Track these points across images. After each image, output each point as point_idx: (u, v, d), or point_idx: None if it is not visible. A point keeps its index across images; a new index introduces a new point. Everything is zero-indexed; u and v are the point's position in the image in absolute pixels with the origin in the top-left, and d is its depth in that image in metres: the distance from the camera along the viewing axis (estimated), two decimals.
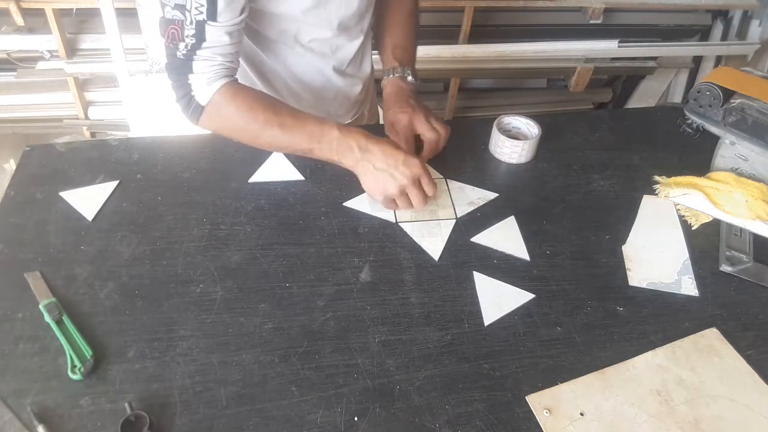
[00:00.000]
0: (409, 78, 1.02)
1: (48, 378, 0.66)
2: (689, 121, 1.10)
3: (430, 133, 0.94)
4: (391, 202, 0.87)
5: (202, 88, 0.84)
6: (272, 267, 0.81)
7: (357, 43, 1.03)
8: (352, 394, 0.67)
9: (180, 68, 0.84)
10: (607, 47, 2.28)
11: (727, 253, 0.86)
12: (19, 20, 1.93)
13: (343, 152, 0.85)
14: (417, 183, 0.84)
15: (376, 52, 1.12)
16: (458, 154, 1.00)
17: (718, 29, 2.43)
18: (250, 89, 0.89)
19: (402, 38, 1.06)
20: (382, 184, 0.84)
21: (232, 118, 0.86)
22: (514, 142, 0.98)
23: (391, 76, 1.02)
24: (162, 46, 0.85)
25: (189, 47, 0.82)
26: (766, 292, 0.82)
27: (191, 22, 0.80)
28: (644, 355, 0.73)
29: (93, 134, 2.18)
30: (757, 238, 0.89)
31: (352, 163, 0.85)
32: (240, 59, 0.92)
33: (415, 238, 0.86)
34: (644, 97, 2.49)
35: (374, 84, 1.24)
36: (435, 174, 0.97)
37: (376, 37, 1.10)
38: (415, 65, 1.06)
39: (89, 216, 0.86)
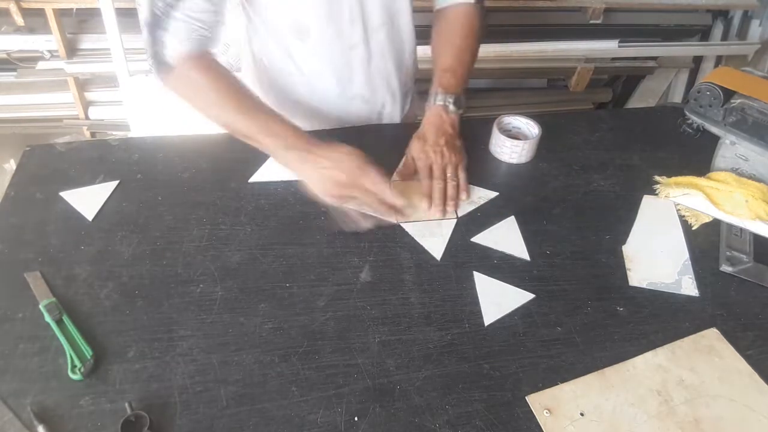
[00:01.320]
0: (451, 107, 0.96)
1: (48, 378, 0.66)
2: (689, 121, 1.10)
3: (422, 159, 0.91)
4: (343, 202, 0.84)
5: (174, 48, 0.83)
6: (272, 267, 0.81)
7: (378, 38, 1.00)
8: (352, 394, 0.67)
9: (156, 24, 0.82)
10: (607, 47, 2.28)
11: (727, 253, 0.86)
12: (19, 20, 1.93)
13: (288, 149, 0.84)
14: (362, 179, 0.81)
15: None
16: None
17: (718, 29, 2.43)
18: (223, 67, 0.89)
19: (452, 61, 1.00)
20: (328, 180, 0.82)
21: (201, 89, 0.86)
22: (514, 142, 0.98)
23: (433, 103, 0.97)
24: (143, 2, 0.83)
25: (167, 3, 0.81)
26: (766, 292, 0.81)
27: None
28: (644, 355, 0.73)
29: (93, 134, 2.18)
30: (757, 238, 0.89)
31: (299, 164, 0.84)
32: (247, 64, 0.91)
33: (416, 238, 0.86)
34: (644, 97, 2.49)
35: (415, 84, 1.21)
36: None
37: (432, 51, 1.06)
38: (462, 88, 0.99)
39: (89, 216, 0.86)
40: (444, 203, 0.90)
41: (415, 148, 0.94)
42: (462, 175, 0.92)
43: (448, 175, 0.91)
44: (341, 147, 0.83)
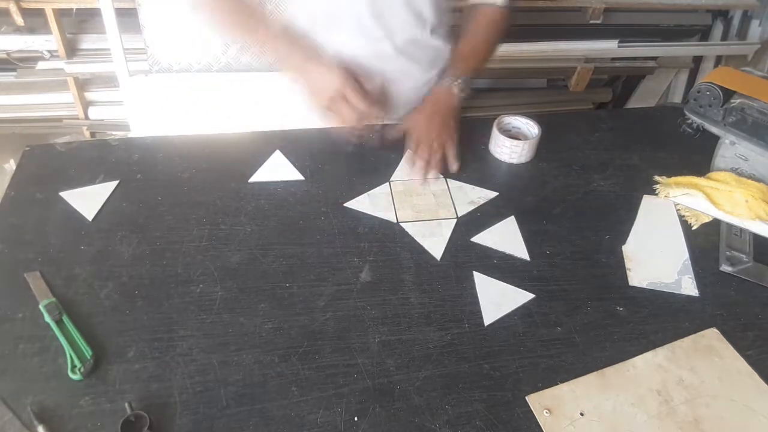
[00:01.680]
0: (455, 90, 1.00)
1: (48, 378, 0.66)
2: (689, 121, 1.10)
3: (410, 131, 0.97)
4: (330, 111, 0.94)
5: None
6: (272, 267, 0.81)
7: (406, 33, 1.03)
8: (352, 394, 0.67)
9: None
10: (607, 47, 2.28)
11: (727, 253, 0.86)
12: (19, 20, 1.92)
13: (289, 54, 0.97)
14: (342, 93, 0.91)
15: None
16: (458, 154, 1.00)
17: (718, 29, 2.42)
18: None
19: (468, 51, 1.06)
20: (320, 83, 0.93)
21: (219, 10, 1.00)
22: (514, 142, 0.98)
23: (439, 85, 1.02)
24: None
25: None
26: (766, 292, 0.81)
27: None
28: (644, 355, 0.73)
29: (93, 134, 2.17)
30: (757, 238, 0.89)
31: (297, 74, 0.96)
32: None
33: (416, 238, 0.86)
34: (644, 97, 2.49)
35: None
36: (435, 173, 0.97)
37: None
38: (471, 75, 1.04)
39: (89, 216, 0.86)
40: (425, 171, 0.94)
41: (410, 119, 0.99)
42: (451, 150, 0.96)
43: (434, 145, 0.95)
44: (326, 62, 0.94)
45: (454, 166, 0.97)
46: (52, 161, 0.95)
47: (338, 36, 1.01)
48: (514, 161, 1.00)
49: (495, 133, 1.00)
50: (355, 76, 0.94)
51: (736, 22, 2.42)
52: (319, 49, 0.99)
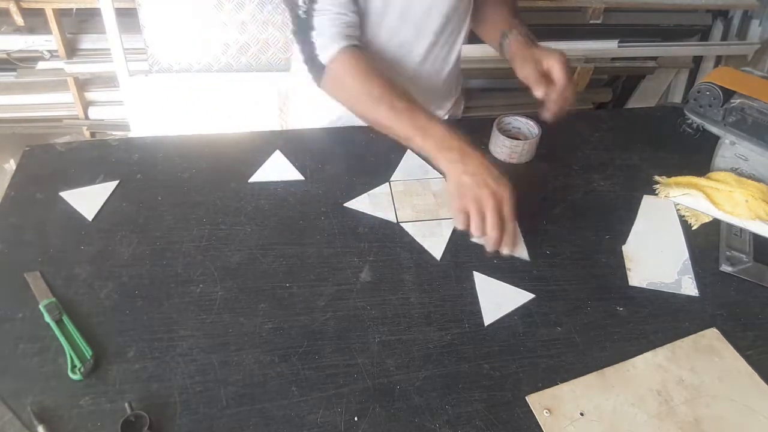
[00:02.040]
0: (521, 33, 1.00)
1: (48, 378, 0.66)
2: (689, 121, 1.10)
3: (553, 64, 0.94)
4: (465, 217, 0.77)
5: (325, 46, 0.88)
6: (272, 267, 0.81)
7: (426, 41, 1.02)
8: (352, 394, 0.67)
9: (303, 27, 0.89)
10: (607, 47, 2.27)
11: (727, 253, 0.86)
12: (19, 20, 1.92)
13: (442, 150, 0.80)
14: (499, 204, 0.75)
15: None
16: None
17: (718, 29, 2.43)
18: (371, 59, 0.91)
19: (505, 16, 1.06)
20: (467, 188, 0.77)
21: (349, 87, 0.88)
22: (514, 142, 0.98)
23: (509, 38, 1.01)
24: (287, 14, 0.93)
25: (306, 3, 0.87)
26: (766, 292, 0.81)
27: None
28: (644, 355, 0.73)
29: (93, 134, 2.17)
30: (757, 238, 0.89)
31: (447, 163, 0.80)
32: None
33: (417, 238, 0.86)
34: (644, 97, 2.49)
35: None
36: (435, 173, 0.97)
37: (479, 29, 1.11)
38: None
39: (89, 216, 0.86)
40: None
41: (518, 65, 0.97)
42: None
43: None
44: (492, 167, 0.79)
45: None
46: (52, 161, 0.95)
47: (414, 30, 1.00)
48: (514, 161, 1.00)
49: (495, 133, 1.00)
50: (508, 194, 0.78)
51: (736, 22, 2.42)
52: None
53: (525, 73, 0.94)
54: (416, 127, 0.83)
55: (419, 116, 0.83)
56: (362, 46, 0.92)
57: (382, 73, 0.88)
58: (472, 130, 1.05)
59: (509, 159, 1.00)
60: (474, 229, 0.76)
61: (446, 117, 1.17)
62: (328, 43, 0.88)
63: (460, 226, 0.78)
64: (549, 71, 0.93)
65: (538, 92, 0.92)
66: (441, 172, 0.85)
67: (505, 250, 0.77)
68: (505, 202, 0.76)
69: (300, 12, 0.88)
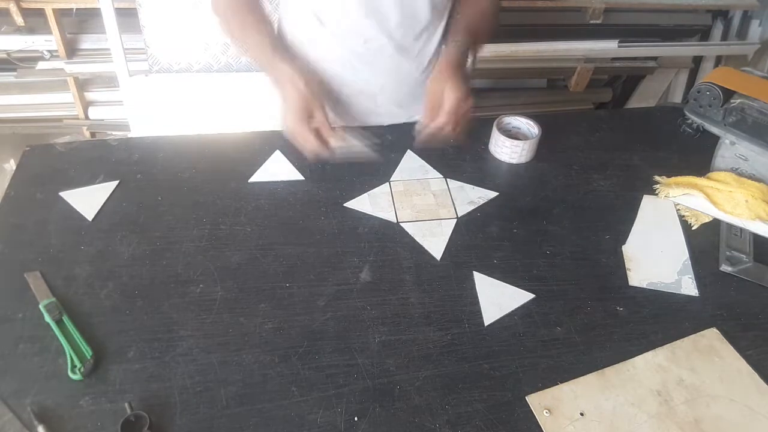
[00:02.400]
0: (455, 50, 0.96)
1: (48, 378, 0.66)
2: (689, 121, 1.10)
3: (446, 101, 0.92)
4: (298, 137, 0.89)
5: None
6: (272, 267, 0.81)
7: (385, 40, 1.00)
8: (352, 394, 0.67)
9: None
10: (607, 47, 2.27)
11: (727, 253, 0.86)
12: (19, 20, 1.92)
13: (275, 78, 0.93)
14: (304, 110, 0.87)
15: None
16: (458, 154, 1.00)
17: (718, 29, 2.42)
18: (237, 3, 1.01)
19: (466, 15, 1.03)
20: (286, 110, 0.90)
21: (223, 17, 1.01)
22: (514, 142, 0.98)
23: (445, 51, 1.00)
24: None
25: None
26: (766, 292, 0.81)
27: None
28: (644, 355, 0.73)
29: (93, 134, 2.17)
30: (757, 238, 0.89)
31: (278, 89, 0.93)
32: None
33: (417, 238, 0.86)
34: (644, 97, 2.49)
35: None
36: (435, 173, 0.97)
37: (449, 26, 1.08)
38: (478, 44, 1.02)
39: (89, 216, 0.86)
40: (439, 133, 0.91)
41: (435, 86, 0.94)
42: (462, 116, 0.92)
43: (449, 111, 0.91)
44: (292, 79, 0.90)
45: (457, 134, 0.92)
46: (52, 161, 0.95)
47: (332, 35, 1.00)
48: (514, 161, 1.00)
49: (495, 133, 1.00)
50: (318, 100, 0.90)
51: (736, 22, 2.42)
52: (299, 65, 0.95)
53: (426, 98, 0.94)
54: (263, 56, 0.96)
55: (267, 50, 0.95)
56: None
57: (248, 7, 1.00)
58: (472, 130, 1.06)
59: (509, 159, 1.00)
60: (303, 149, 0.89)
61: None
62: None
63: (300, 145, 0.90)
64: (443, 103, 0.92)
65: (423, 119, 0.94)
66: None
67: (331, 144, 0.89)
68: (316, 119, 0.88)
69: None
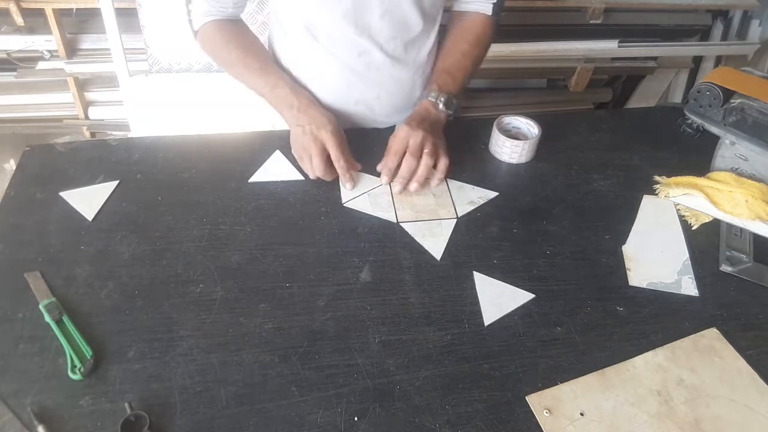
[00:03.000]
0: (441, 106, 0.97)
1: (48, 378, 0.66)
2: (689, 121, 1.10)
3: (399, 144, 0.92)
4: (304, 162, 0.94)
5: (195, 17, 1.02)
6: (272, 267, 0.81)
7: (379, 52, 1.00)
8: (352, 394, 0.67)
9: None
10: (607, 47, 2.27)
11: (727, 253, 0.86)
12: (19, 20, 1.92)
13: (285, 107, 0.97)
14: (321, 147, 0.91)
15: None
16: (458, 154, 1.00)
17: (718, 29, 2.42)
18: (238, 27, 1.05)
19: (452, 62, 1.03)
20: (296, 138, 0.95)
21: (212, 49, 1.04)
22: (514, 142, 0.98)
23: (425, 98, 0.99)
24: None
25: None
26: (766, 292, 0.81)
27: None
28: (644, 355, 0.73)
29: (93, 134, 2.17)
30: (757, 238, 0.89)
31: (287, 117, 0.97)
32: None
33: (417, 238, 0.86)
34: (644, 97, 2.49)
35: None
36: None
37: (438, 51, 1.08)
38: (457, 91, 1.01)
39: (89, 216, 0.86)
40: (407, 180, 0.91)
41: (398, 131, 0.94)
42: (442, 161, 0.92)
43: (425, 150, 0.91)
44: (321, 116, 0.94)
45: (435, 181, 0.93)
46: (52, 161, 0.95)
47: (325, 51, 0.99)
48: (514, 161, 1.00)
49: (495, 133, 1.00)
50: (338, 138, 0.92)
51: (736, 22, 2.42)
52: (314, 100, 0.99)
53: (389, 142, 0.95)
54: (266, 84, 0.99)
55: (270, 75, 0.99)
56: (230, 20, 1.03)
57: (241, 40, 1.03)
58: (472, 130, 1.06)
59: (509, 159, 1.00)
60: (307, 171, 0.94)
61: None
62: (198, 17, 1.01)
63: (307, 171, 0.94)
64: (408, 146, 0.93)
65: (379, 165, 0.95)
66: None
67: (347, 185, 0.93)
68: (329, 144, 0.91)
69: None
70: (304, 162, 0.93)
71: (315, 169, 0.91)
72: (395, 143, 0.93)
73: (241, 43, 1.02)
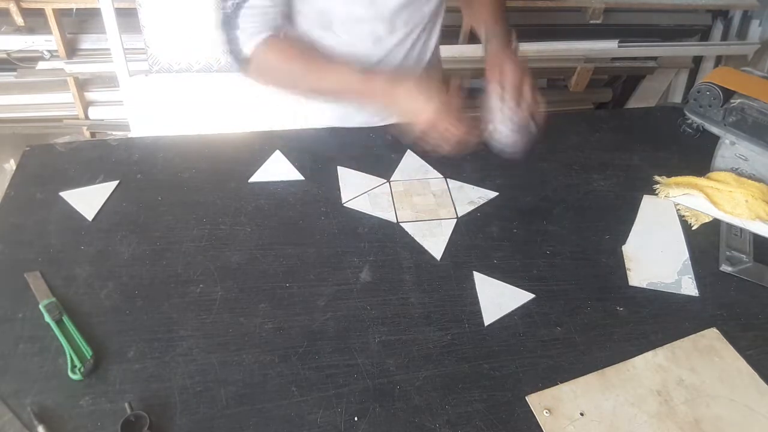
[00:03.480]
0: (509, 44, 0.96)
1: (48, 378, 0.66)
2: (689, 121, 1.10)
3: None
4: (428, 139, 0.87)
5: (246, 41, 0.90)
6: (272, 267, 0.81)
7: (396, 38, 0.99)
8: (352, 394, 0.67)
9: (227, 23, 0.90)
10: (607, 47, 2.28)
11: (727, 253, 0.86)
12: (19, 20, 1.93)
13: (396, 85, 0.88)
14: (444, 115, 0.84)
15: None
16: (458, 154, 1.00)
17: (718, 29, 2.43)
18: (291, 40, 0.96)
19: (493, 13, 1.01)
20: (418, 105, 0.86)
21: (274, 69, 0.93)
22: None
23: (493, 38, 0.98)
24: (215, 5, 0.91)
25: (235, 4, 0.88)
26: (766, 292, 0.81)
27: None
28: (644, 355, 0.73)
29: (93, 134, 2.17)
30: (757, 238, 0.89)
31: (401, 90, 0.88)
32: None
33: (417, 238, 0.86)
34: (644, 97, 2.49)
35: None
36: (435, 173, 0.97)
37: (469, 17, 1.07)
38: (508, 32, 0.99)
39: (89, 216, 0.86)
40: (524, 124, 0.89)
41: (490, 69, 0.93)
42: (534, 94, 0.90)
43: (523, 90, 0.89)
44: (413, 87, 0.87)
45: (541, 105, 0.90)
46: (52, 161, 0.95)
47: (340, 40, 0.98)
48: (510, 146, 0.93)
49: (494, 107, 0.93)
50: (447, 102, 0.87)
51: (736, 22, 2.42)
52: (398, 75, 0.92)
53: (487, 74, 0.94)
54: (357, 80, 0.91)
55: (352, 69, 0.92)
56: (283, 35, 0.95)
57: (302, 50, 0.95)
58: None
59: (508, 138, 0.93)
60: (437, 148, 0.87)
61: None
62: (249, 38, 0.91)
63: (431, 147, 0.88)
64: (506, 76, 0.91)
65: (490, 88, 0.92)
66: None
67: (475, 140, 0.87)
68: (449, 112, 0.84)
69: (226, 9, 0.89)
70: (433, 136, 0.87)
71: (453, 135, 0.85)
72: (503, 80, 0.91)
73: (303, 53, 0.94)
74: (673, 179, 0.98)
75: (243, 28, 0.89)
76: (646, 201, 0.95)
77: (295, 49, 0.94)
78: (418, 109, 0.86)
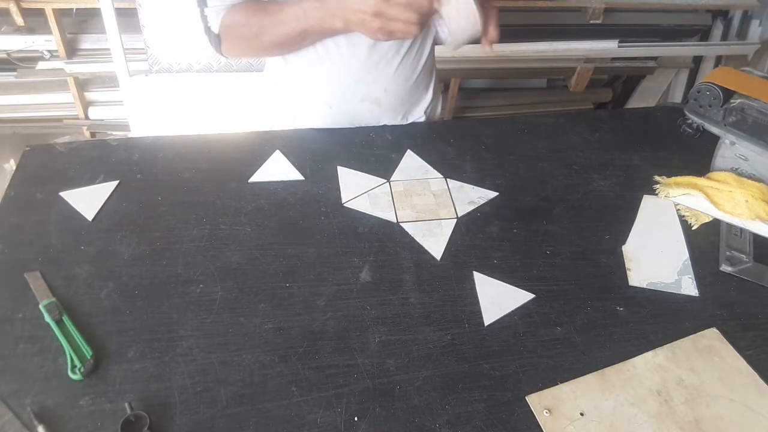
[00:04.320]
0: None
1: (48, 378, 0.66)
2: (689, 121, 1.10)
3: None
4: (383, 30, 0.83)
5: (215, 17, 0.94)
6: (272, 267, 0.81)
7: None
8: (352, 394, 0.67)
9: (199, 1, 0.94)
10: (607, 47, 2.28)
11: (727, 253, 0.86)
12: (19, 20, 1.93)
13: (332, 10, 0.85)
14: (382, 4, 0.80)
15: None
16: (458, 154, 1.00)
17: (718, 29, 2.43)
18: (247, 4, 0.95)
19: None
20: (364, 23, 0.83)
21: (237, 30, 0.95)
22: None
23: None
24: None
25: None
26: (766, 292, 0.81)
27: None
28: (644, 355, 0.73)
29: (93, 134, 2.17)
30: (757, 238, 0.89)
31: (341, 23, 0.86)
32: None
33: (417, 238, 0.86)
34: (644, 97, 2.49)
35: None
36: (435, 173, 0.97)
37: None
38: None
39: (89, 216, 0.86)
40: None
41: None
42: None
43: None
44: None
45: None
46: (52, 161, 0.95)
47: (337, 46, 0.98)
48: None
49: None
50: None
51: (736, 22, 2.42)
52: None
53: None
54: (298, 17, 0.89)
55: (293, 8, 0.89)
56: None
57: (261, 6, 0.93)
58: (473, 130, 1.06)
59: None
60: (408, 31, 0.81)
61: (423, 119, 1.16)
62: (216, 15, 0.94)
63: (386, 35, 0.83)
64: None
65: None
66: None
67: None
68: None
69: None
70: (389, 19, 0.81)
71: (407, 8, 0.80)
72: None
73: (258, 7, 0.93)
74: (673, 179, 0.98)
75: (211, 5, 0.93)
76: (646, 201, 0.95)
77: (254, 5, 0.94)
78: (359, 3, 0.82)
